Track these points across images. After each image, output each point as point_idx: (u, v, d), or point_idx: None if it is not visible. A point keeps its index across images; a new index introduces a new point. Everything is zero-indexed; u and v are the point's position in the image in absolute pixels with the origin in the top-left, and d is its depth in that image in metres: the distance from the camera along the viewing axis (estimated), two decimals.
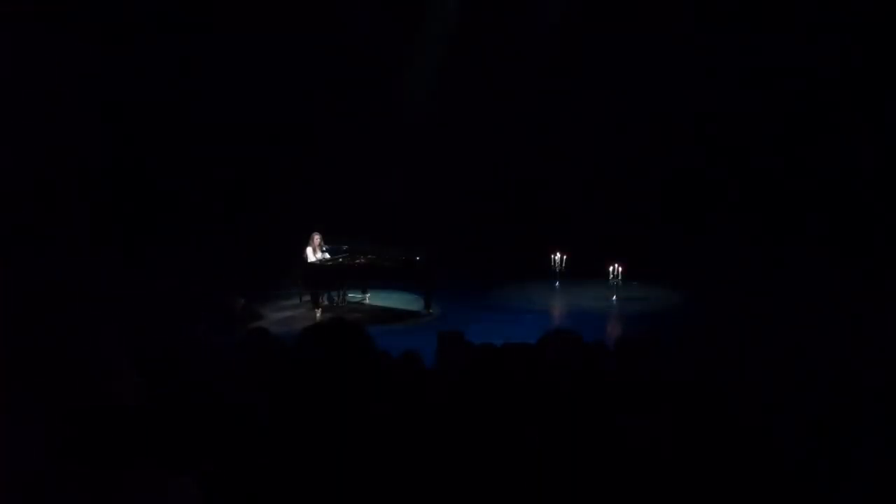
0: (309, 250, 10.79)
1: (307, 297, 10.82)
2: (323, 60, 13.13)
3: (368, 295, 11.58)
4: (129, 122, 11.70)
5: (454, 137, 13.59)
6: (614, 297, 11.15)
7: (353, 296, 11.46)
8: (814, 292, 9.80)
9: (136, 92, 11.55)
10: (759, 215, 12.77)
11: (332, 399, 2.08)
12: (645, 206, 13.46)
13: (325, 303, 10.87)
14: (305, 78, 13.03)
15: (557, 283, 12.10)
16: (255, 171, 12.57)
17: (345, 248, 11.12)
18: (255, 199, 12.47)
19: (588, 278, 11.95)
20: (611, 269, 11.25)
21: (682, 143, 13.27)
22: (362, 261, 11.01)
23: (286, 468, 2.00)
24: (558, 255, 12.08)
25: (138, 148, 11.80)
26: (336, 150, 13.21)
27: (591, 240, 12.36)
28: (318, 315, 10.31)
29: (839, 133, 12.17)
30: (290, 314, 10.63)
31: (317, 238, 10.86)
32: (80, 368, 2.59)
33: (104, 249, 10.84)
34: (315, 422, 2.07)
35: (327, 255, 10.95)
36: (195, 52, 11.96)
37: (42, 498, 2.00)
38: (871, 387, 3.24)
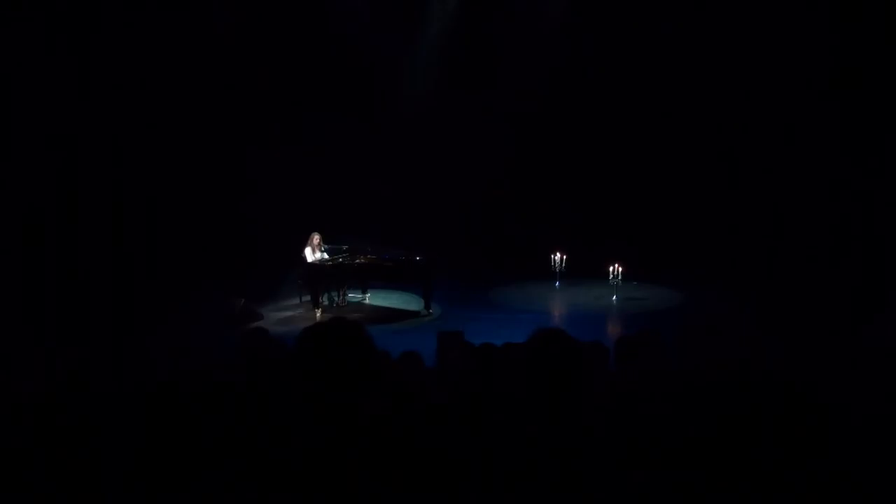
0: (308, 250, 10.79)
1: (307, 297, 10.82)
2: (323, 60, 13.14)
3: (368, 295, 11.59)
4: (126, 121, 11.70)
5: (454, 137, 13.59)
6: (614, 297, 11.15)
7: (353, 296, 11.46)
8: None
9: (131, 92, 11.55)
10: (760, 215, 12.78)
11: (332, 399, 2.08)
12: (645, 206, 13.46)
13: (325, 303, 10.87)
14: (305, 77, 13.04)
15: (557, 283, 12.10)
16: (254, 170, 12.54)
17: (345, 248, 11.13)
18: (254, 198, 12.45)
19: (588, 278, 11.96)
20: (611, 269, 11.25)
21: (681, 142, 13.27)
22: (362, 261, 11.02)
23: (286, 468, 2.00)
24: (558, 255, 12.08)
25: (136, 146, 11.80)
26: (336, 149, 13.21)
27: (591, 240, 12.37)
28: (318, 315, 10.31)
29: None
30: (290, 314, 10.64)
31: (316, 238, 10.86)
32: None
33: (104, 249, 10.86)
34: (315, 422, 2.07)
35: (326, 255, 10.95)
36: (195, 48, 11.95)
37: None
38: (874, 388, 3.23)
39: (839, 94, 12.06)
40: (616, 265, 11.21)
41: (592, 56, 13.44)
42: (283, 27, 12.78)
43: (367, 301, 11.49)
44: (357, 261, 11.03)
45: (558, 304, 11.57)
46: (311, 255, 10.79)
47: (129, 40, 11.38)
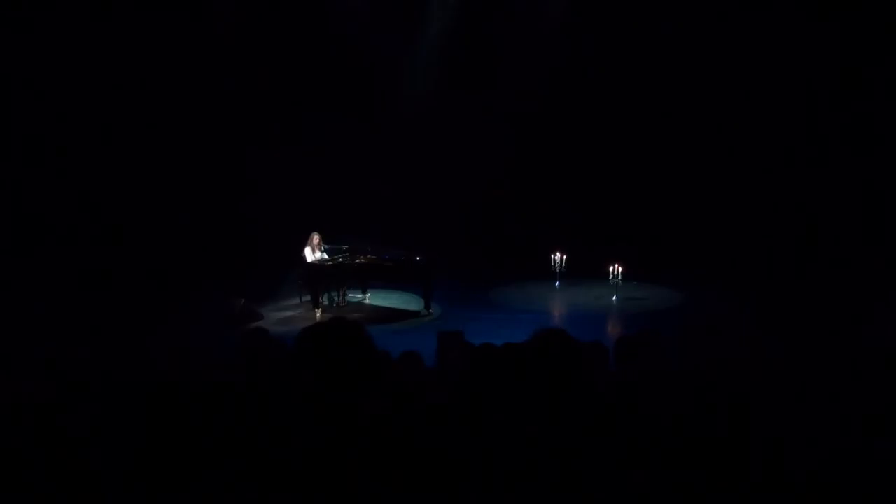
0: (307, 250, 10.78)
1: (307, 297, 10.82)
2: (323, 60, 13.14)
3: (368, 295, 11.58)
4: (126, 121, 11.72)
5: (454, 137, 13.59)
6: (614, 297, 11.15)
7: (353, 296, 11.45)
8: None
9: (132, 92, 11.56)
10: (760, 215, 12.78)
11: (332, 399, 2.08)
12: (645, 206, 13.46)
13: (325, 303, 10.87)
14: (305, 77, 13.04)
15: (557, 283, 12.09)
16: (254, 170, 12.54)
17: (344, 248, 11.12)
18: (254, 198, 12.45)
19: (588, 278, 11.96)
20: (611, 269, 11.24)
21: (681, 142, 13.27)
22: (362, 261, 11.01)
23: (286, 468, 2.00)
24: (558, 255, 12.07)
25: (136, 146, 11.81)
26: (336, 149, 13.21)
27: (591, 240, 12.37)
28: (318, 315, 10.30)
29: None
30: (290, 314, 10.63)
31: (316, 238, 10.86)
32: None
33: (104, 248, 10.87)
34: (315, 422, 2.07)
35: (326, 255, 10.95)
36: (195, 48, 11.95)
37: None
38: (874, 389, 3.23)
39: (840, 93, 12.07)
40: (616, 265, 11.21)
41: (592, 56, 13.43)
42: (283, 27, 12.78)
43: (367, 301, 11.48)
44: (357, 261, 11.02)
45: (558, 304, 11.56)
46: (311, 255, 10.79)
47: (130, 40, 11.39)
